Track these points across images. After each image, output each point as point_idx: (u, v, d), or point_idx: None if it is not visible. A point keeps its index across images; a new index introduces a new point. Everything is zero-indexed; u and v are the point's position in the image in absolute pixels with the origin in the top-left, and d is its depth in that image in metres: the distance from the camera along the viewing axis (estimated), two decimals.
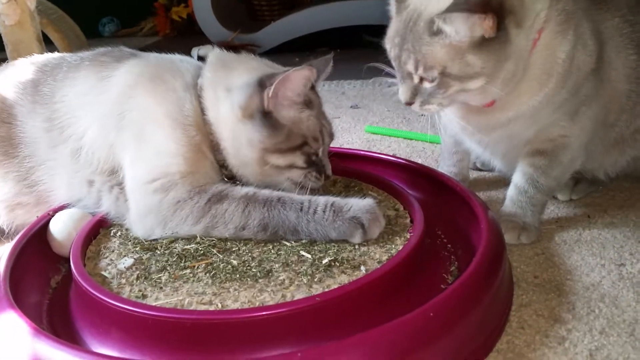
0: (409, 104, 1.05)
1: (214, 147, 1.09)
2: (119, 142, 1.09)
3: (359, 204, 0.99)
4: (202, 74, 1.11)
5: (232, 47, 1.32)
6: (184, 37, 4.24)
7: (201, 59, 1.19)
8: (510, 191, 1.19)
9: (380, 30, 1.08)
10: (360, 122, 2.04)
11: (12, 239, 1.24)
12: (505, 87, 1.00)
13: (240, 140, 1.07)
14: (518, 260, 1.09)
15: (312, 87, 1.12)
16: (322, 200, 1.00)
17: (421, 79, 1.00)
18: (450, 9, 0.91)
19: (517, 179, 1.17)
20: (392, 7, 1.05)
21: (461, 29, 0.92)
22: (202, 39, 3.47)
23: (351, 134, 1.91)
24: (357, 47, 2.93)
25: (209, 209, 1.01)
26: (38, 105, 1.18)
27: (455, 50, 0.94)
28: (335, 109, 2.21)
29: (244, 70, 1.10)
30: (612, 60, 1.12)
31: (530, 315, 0.92)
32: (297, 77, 1.03)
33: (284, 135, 1.05)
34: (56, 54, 1.32)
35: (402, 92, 1.05)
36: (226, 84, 1.08)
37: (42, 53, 2.65)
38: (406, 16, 0.99)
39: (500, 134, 1.13)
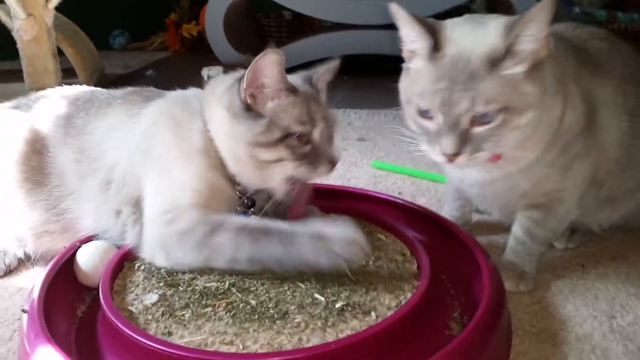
0: (456, 155, 0.99)
1: (223, 165, 1.14)
2: (144, 175, 1.16)
3: (339, 234, 1.00)
4: (203, 97, 1.19)
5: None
6: (192, 53, 4.33)
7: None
8: (510, 241, 1.26)
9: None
10: (367, 156, 2.10)
11: (36, 265, 1.31)
12: (544, 125, 1.04)
13: (231, 141, 1.11)
14: (516, 308, 1.15)
15: (310, 81, 1.17)
16: (304, 230, 1.02)
17: (472, 123, 0.98)
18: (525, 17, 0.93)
19: (516, 230, 1.24)
20: (419, 61, 1.03)
21: (530, 37, 0.94)
22: (211, 57, 3.58)
23: (358, 169, 1.97)
24: (364, 75, 3.03)
25: (207, 241, 1.05)
26: (70, 137, 1.25)
27: (512, 81, 0.96)
28: (342, 140, 2.26)
29: (232, 78, 1.16)
30: (607, 125, 1.18)
31: None
32: (265, 62, 1.05)
33: (263, 127, 1.08)
34: (86, 88, 1.39)
35: (449, 143, 0.98)
36: (218, 94, 1.15)
37: (56, 68, 2.74)
38: (450, 60, 0.97)
39: (496, 188, 1.19)
